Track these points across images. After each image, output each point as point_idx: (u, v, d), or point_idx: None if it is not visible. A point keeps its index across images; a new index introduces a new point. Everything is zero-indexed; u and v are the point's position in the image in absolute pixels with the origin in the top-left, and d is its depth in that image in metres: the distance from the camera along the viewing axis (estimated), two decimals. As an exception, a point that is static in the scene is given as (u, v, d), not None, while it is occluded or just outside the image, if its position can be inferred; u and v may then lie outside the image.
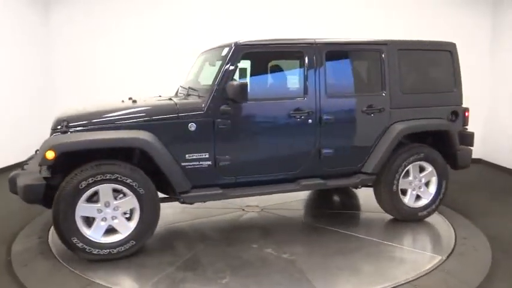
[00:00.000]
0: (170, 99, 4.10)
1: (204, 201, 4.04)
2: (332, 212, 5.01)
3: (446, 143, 4.59)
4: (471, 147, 4.77)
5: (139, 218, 3.58)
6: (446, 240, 4.07)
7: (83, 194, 3.40)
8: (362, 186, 4.64)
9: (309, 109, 4.03)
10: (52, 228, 3.90)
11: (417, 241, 4.16)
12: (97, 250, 3.49)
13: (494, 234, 4.22)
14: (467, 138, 4.73)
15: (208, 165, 3.82)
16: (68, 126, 3.56)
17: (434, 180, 4.56)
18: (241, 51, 3.87)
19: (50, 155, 3.29)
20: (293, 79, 4.24)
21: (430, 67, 4.67)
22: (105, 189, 3.47)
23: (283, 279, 3.25)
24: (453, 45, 4.66)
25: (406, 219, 4.48)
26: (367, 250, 3.77)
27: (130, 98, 4.29)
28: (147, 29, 7.94)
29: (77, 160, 3.46)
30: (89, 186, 3.40)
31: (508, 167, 7.08)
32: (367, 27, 7.45)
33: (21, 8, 7.40)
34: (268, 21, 7.69)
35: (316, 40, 4.10)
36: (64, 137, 3.47)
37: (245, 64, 4.97)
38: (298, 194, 5.33)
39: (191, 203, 4.04)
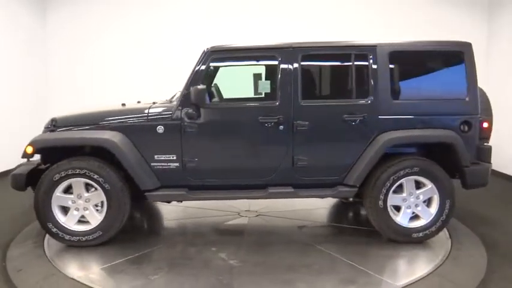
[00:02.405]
0: (154, 103, 4.36)
1: (179, 201, 4.26)
2: (334, 225, 4.73)
3: (453, 158, 4.02)
4: (488, 164, 4.09)
5: (106, 211, 3.91)
6: (416, 264, 3.71)
7: (58, 185, 3.85)
8: (353, 199, 4.35)
9: (280, 115, 3.92)
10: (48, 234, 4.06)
11: (385, 263, 3.69)
12: (68, 236, 3.90)
13: (491, 241, 4.15)
14: (483, 153, 4.06)
15: (176, 166, 3.98)
16: (55, 126, 4.06)
17: (435, 199, 4.02)
18: (211, 55, 3.96)
19: (29, 149, 3.84)
20: (265, 84, 4.17)
21: (433, 71, 4.14)
22: (77, 183, 3.88)
23: (208, 283, 3.24)
24: (466, 45, 4.04)
25: (398, 240, 4.02)
26: (320, 268, 3.52)
27: (138, 102, 4.70)
28: (147, 30, 7.91)
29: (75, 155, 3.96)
30: (62, 179, 3.84)
31: (508, 173, 6.92)
32: (366, 28, 7.42)
33: (19, 10, 7.40)
34: (268, 23, 7.65)
35: (293, 44, 3.98)
36: (46, 135, 3.99)
37: (260, 69, 5.01)
38: (314, 203, 5.14)
39: (168, 202, 4.30)
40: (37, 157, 4.15)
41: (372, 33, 6.98)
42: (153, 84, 7.71)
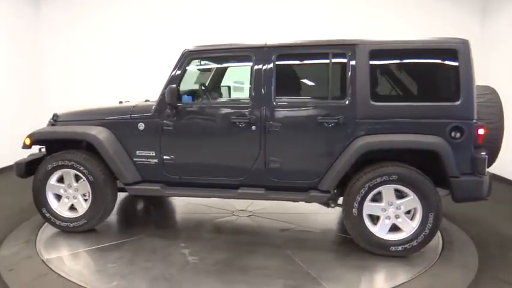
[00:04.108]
0: (147, 100, 4.58)
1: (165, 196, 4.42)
2: (322, 231, 4.55)
3: (440, 167, 3.65)
4: (483, 175, 3.63)
5: (91, 202, 4.20)
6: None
7: (51, 174, 4.24)
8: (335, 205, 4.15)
9: (253, 115, 3.89)
10: (40, 232, 4.28)
11: (350, 274, 3.47)
12: (59, 222, 4.27)
13: (482, 241, 4.20)
14: (475, 164, 3.63)
15: (155, 162, 4.15)
16: (56, 120, 4.46)
17: (419, 211, 3.69)
18: (189, 56, 4.05)
19: (27, 141, 4.27)
20: (239, 84, 4.14)
21: (421, 71, 3.79)
22: (67, 173, 4.23)
23: (152, 275, 3.35)
24: (462, 43, 3.62)
25: (374, 252, 3.77)
26: (272, 272, 3.45)
27: (147, 100, 4.97)
28: (143, 22, 7.70)
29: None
30: (54, 169, 4.21)
31: (503, 176, 6.74)
32: (359, 26, 7.29)
33: (11, 1, 7.30)
34: (265, 21, 7.47)
35: (267, 43, 3.91)
36: (44, 128, 4.41)
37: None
38: (317, 207, 4.89)
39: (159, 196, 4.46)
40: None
41: (367, 31, 6.45)
42: (148, 78, 7.42)
